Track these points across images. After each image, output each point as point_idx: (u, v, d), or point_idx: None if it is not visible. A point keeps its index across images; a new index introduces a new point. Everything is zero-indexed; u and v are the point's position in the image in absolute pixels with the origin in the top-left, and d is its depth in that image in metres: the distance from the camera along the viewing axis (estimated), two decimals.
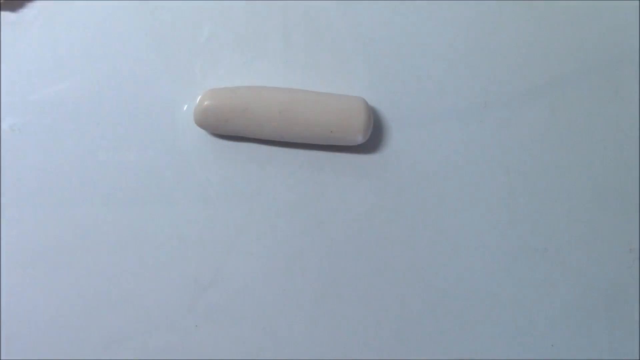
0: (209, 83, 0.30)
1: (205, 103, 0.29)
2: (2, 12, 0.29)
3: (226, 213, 0.30)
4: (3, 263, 0.29)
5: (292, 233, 0.30)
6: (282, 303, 0.30)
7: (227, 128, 0.29)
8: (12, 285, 0.29)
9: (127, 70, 0.30)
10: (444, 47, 0.31)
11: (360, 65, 0.31)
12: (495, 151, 0.31)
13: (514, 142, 0.31)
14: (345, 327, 0.30)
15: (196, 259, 0.30)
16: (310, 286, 0.30)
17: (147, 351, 0.29)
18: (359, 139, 0.29)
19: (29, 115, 0.30)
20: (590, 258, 0.31)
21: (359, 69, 0.31)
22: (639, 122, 0.32)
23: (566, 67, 0.31)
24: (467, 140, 0.31)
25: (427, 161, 0.31)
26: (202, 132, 0.30)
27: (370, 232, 0.30)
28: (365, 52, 0.30)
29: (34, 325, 0.29)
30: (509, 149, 0.31)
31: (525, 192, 0.31)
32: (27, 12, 0.30)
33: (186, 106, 0.30)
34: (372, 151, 0.31)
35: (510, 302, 0.31)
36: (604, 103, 0.31)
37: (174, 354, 0.29)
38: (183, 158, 0.30)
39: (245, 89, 0.29)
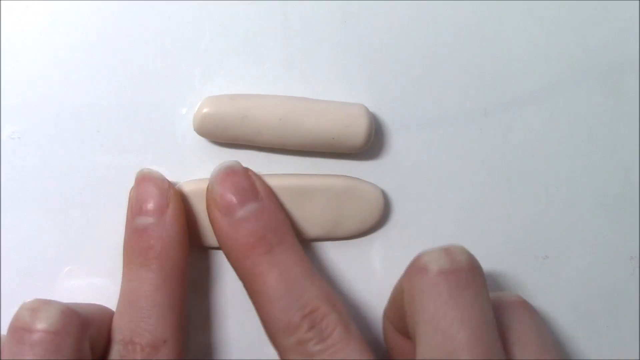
0: (208, 90, 0.30)
1: (204, 110, 0.29)
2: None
3: None
4: (3, 272, 0.29)
5: None
6: None
7: (227, 135, 0.29)
8: (13, 293, 0.29)
9: (127, 78, 0.29)
10: (444, 53, 0.30)
11: (360, 73, 0.30)
12: (496, 157, 0.31)
13: (514, 148, 0.31)
14: None
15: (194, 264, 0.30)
16: None
17: None
18: (360, 145, 0.29)
19: (28, 123, 0.29)
20: (590, 265, 0.31)
21: (359, 76, 0.30)
22: None
23: (566, 73, 0.31)
24: (467, 146, 0.31)
25: (427, 167, 0.31)
26: (203, 139, 0.30)
27: (370, 238, 0.31)
28: (365, 59, 0.30)
29: None
30: (509, 155, 0.31)
31: (526, 199, 0.31)
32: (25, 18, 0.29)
33: (186, 114, 0.30)
34: (373, 158, 0.31)
35: None
36: (605, 109, 0.31)
37: None
38: (183, 165, 0.30)
39: (245, 96, 0.29)
